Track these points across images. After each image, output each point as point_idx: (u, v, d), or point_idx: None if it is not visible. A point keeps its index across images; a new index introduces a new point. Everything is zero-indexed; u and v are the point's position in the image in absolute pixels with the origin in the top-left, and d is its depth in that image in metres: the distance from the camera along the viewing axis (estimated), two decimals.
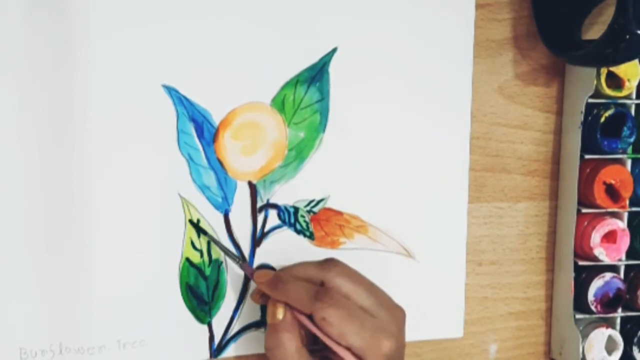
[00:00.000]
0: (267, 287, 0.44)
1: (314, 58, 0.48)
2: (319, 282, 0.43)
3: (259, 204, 0.48)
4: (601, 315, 0.52)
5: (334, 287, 0.42)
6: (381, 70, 0.49)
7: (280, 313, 0.43)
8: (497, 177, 0.53)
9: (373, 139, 0.50)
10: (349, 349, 0.41)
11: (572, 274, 0.52)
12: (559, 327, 0.54)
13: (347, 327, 0.41)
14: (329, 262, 0.44)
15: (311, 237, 0.49)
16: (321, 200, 0.49)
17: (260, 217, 0.49)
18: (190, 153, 0.47)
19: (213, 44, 0.46)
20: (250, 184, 0.48)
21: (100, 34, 0.44)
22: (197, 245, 0.47)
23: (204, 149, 0.47)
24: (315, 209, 0.49)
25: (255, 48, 0.47)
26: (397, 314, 0.43)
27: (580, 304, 0.52)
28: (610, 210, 0.51)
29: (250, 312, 0.49)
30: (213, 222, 0.47)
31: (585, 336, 0.52)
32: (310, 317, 0.42)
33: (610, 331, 0.52)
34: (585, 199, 0.51)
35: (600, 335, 0.52)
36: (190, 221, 0.47)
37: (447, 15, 0.50)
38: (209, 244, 0.48)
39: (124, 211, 0.46)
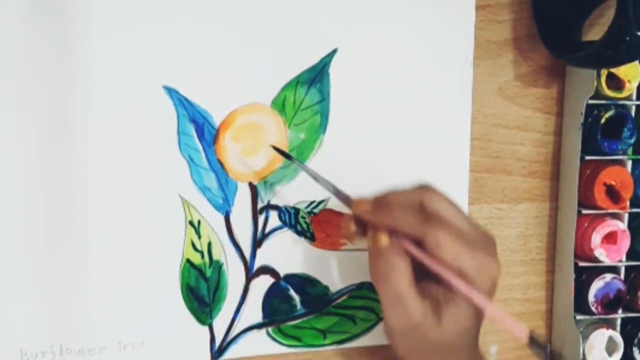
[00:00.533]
0: (370, 212, 0.41)
1: (314, 59, 0.48)
2: (417, 205, 0.40)
3: (260, 205, 0.48)
4: (601, 317, 0.52)
5: (434, 209, 0.40)
6: (381, 71, 0.49)
7: (385, 239, 0.40)
8: (497, 178, 0.53)
9: (373, 140, 0.50)
10: (458, 273, 0.39)
11: (573, 275, 0.52)
12: (560, 328, 0.54)
13: (461, 249, 0.39)
14: (424, 186, 0.41)
15: (312, 238, 0.49)
16: (322, 201, 0.49)
17: (261, 219, 0.48)
18: (190, 154, 0.47)
19: (213, 45, 0.46)
20: (250, 185, 0.48)
21: (100, 34, 0.44)
22: (198, 247, 0.47)
23: (204, 150, 0.47)
24: (316, 210, 0.49)
25: (256, 49, 0.47)
26: (490, 237, 0.42)
27: (581, 305, 0.52)
28: (610, 211, 0.51)
29: (251, 313, 0.49)
30: (214, 223, 0.47)
31: (585, 337, 0.52)
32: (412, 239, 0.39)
33: (610, 332, 0.52)
34: (585, 200, 0.51)
35: (601, 336, 0.52)
36: (275, 148, 0.46)
37: (447, 16, 0.50)
38: (209, 245, 0.48)
39: (124, 212, 0.46)
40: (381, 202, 0.41)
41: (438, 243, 0.39)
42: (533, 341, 0.39)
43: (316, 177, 0.45)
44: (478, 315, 0.41)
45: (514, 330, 0.39)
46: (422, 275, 0.41)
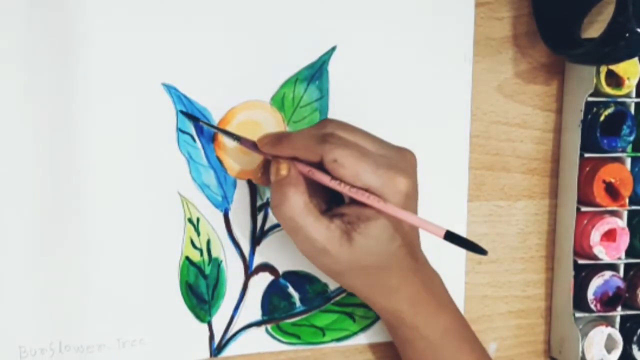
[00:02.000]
0: (270, 145, 0.42)
1: (313, 56, 0.48)
2: (318, 133, 0.40)
3: (259, 203, 0.48)
4: (601, 314, 0.52)
5: (331, 132, 0.40)
6: (380, 68, 0.49)
7: (284, 169, 0.41)
8: (496, 176, 0.53)
9: None
10: (365, 190, 0.39)
11: (572, 273, 0.52)
12: (559, 326, 0.54)
13: (361, 166, 0.39)
14: (324, 119, 0.42)
15: None
16: None
17: (260, 216, 0.48)
18: (189, 152, 0.47)
19: (212, 42, 0.46)
20: (250, 182, 0.48)
21: (99, 32, 0.44)
22: (197, 244, 0.47)
23: (203, 147, 0.47)
24: None
25: (255, 46, 0.47)
26: (406, 155, 0.42)
27: (580, 302, 0.52)
28: (609, 208, 0.51)
29: (250, 311, 0.49)
30: (213, 220, 0.47)
31: (584, 335, 0.52)
32: (319, 168, 0.40)
33: (609, 330, 0.52)
34: (584, 198, 0.51)
35: (600, 333, 0.52)
36: (181, 111, 0.46)
37: (447, 13, 0.50)
38: (208, 242, 0.48)
39: (123, 210, 0.46)
40: (282, 135, 0.42)
41: (337, 163, 0.39)
42: (451, 237, 0.38)
43: (220, 131, 0.46)
44: (398, 228, 0.41)
45: (431, 231, 0.39)
46: (335, 201, 0.41)
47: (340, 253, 0.40)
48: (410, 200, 0.41)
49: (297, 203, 0.39)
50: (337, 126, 0.41)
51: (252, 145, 0.44)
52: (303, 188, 0.40)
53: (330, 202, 0.43)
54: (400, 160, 0.41)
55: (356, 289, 0.44)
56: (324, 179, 0.40)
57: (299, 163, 0.41)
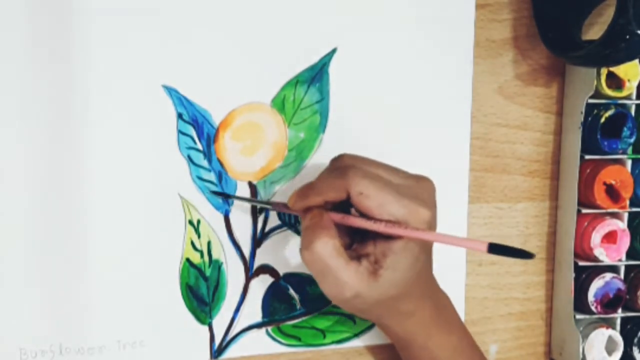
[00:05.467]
0: (299, 200, 0.42)
1: (313, 58, 0.48)
2: (338, 171, 0.41)
3: (259, 205, 0.48)
4: (601, 316, 0.52)
5: (352, 165, 0.41)
6: (381, 70, 0.49)
7: (315, 215, 0.41)
8: (497, 178, 0.53)
9: (372, 139, 0.50)
10: (389, 221, 0.39)
11: (572, 275, 0.52)
12: (559, 328, 0.54)
13: (385, 197, 0.39)
14: (336, 156, 0.43)
15: None
16: None
17: (260, 218, 0.49)
18: (190, 154, 0.47)
19: (213, 44, 0.46)
20: (250, 184, 0.48)
21: (100, 34, 0.44)
22: (198, 246, 0.47)
23: (204, 149, 0.47)
24: None
25: (255, 48, 0.47)
26: (425, 184, 0.42)
27: (581, 304, 0.52)
28: (610, 210, 0.51)
29: (251, 312, 0.49)
30: (213, 222, 0.47)
31: (585, 336, 0.52)
32: (344, 211, 0.40)
33: (610, 331, 0.52)
34: (585, 200, 0.51)
35: (601, 335, 0.52)
36: (212, 192, 0.46)
37: (447, 15, 0.50)
38: (209, 244, 0.48)
39: (124, 212, 0.46)
40: (306, 186, 0.42)
41: (363, 195, 0.39)
42: (495, 248, 0.38)
43: (253, 202, 0.47)
44: (418, 258, 0.41)
45: (474, 248, 0.39)
46: (360, 240, 0.42)
47: (369, 292, 0.40)
48: (433, 230, 0.42)
49: (328, 245, 0.39)
50: (354, 159, 0.42)
51: (284, 207, 0.44)
52: (334, 232, 0.40)
53: (349, 238, 0.43)
54: (421, 190, 0.42)
55: (373, 318, 0.45)
56: (358, 222, 0.40)
57: (331, 212, 0.41)
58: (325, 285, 0.40)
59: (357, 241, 0.42)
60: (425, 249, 0.43)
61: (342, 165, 0.41)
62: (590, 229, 0.51)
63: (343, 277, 0.39)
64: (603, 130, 0.50)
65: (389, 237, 0.40)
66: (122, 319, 0.46)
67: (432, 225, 0.41)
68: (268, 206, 0.47)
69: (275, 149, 0.48)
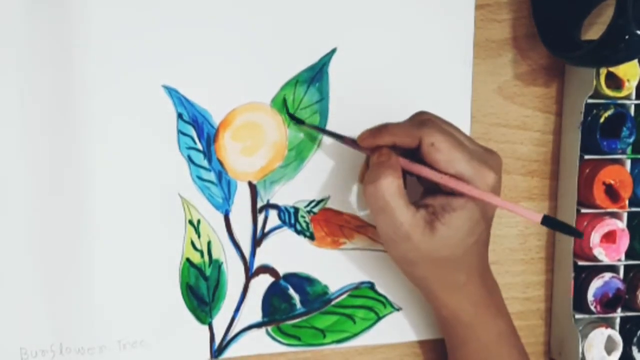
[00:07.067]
0: (371, 137, 0.43)
1: (313, 58, 0.48)
2: (415, 122, 0.42)
3: (259, 205, 0.48)
4: (601, 315, 0.52)
5: (431, 119, 0.42)
6: (380, 70, 0.49)
7: (384, 154, 0.42)
8: None
9: None
10: (455, 177, 0.40)
11: (572, 274, 0.52)
12: (559, 327, 0.54)
13: (456, 154, 0.40)
14: (420, 112, 0.44)
15: (311, 237, 0.49)
16: (321, 200, 0.49)
17: (260, 218, 0.49)
18: (190, 154, 0.47)
19: (213, 44, 0.46)
20: (250, 184, 0.48)
21: (100, 34, 0.44)
22: (198, 246, 0.48)
23: (204, 149, 0.47)
24: (315, 210, 0.49)
25: (255, 48, 0.47)
26: (495, 155, 0.43)
27: (580, 304, 0.52)
28: (609, 210, 0.51)
29: (251, 312, 0.49)
30: (213, 222, 0.48)
31: (584, 336, 0.52)
32: (415, 159, 0.41)
33: (609, 331, 0.52)
34: (584, 199, 0.51)
35: (600, 335, 0.52)
36: (290, 114, 0.47)
37: (447, 15, 0.50)
38: (209, 244, 0.48)
39: (124, 211, 0.46)
40: (381, 125, 0.43)
41: (434, 147, 0.40)
42: (549, 221, 0.39)
43: (327, 132, 0.47)
44: (478, 223, 0.42)
45: (528, 217, 0.40)
46: (425, 193, 0.43)
47: (421, 241, 0.41)
48: (498, 194, 0.42)
49: (393, 183, 0.40)
50: (434, 116, 0.43)
51: (353, 143, 0.45)
52: (399, 173, 0.41)
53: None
54: (490, 158, 0.42)
55: (423, 282, 0.45)
56: (425, 171, 0.41)
57: (400, 157, 0.42)
58: (381, 222, 0.41)
59: (422, 194, 0.43)
60: (486, 218, 0.43)
61: (421, 118, 0.42)
62: (589, 229, 0.51)
63: (400, 218, 0.40)
64: (602, 130, 0.50)
65: (449, 194, 0.41)
66: (122, 319, 0.47)
67: (496, 191, 0.41)
68: (338, 140, 0.47)
69: (275, 149, 0.48)
